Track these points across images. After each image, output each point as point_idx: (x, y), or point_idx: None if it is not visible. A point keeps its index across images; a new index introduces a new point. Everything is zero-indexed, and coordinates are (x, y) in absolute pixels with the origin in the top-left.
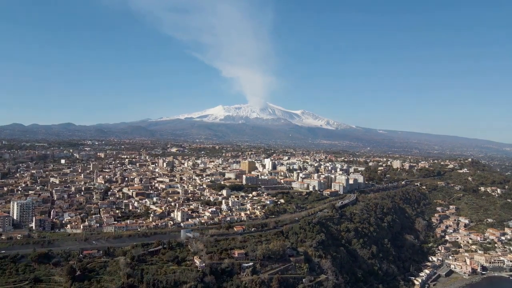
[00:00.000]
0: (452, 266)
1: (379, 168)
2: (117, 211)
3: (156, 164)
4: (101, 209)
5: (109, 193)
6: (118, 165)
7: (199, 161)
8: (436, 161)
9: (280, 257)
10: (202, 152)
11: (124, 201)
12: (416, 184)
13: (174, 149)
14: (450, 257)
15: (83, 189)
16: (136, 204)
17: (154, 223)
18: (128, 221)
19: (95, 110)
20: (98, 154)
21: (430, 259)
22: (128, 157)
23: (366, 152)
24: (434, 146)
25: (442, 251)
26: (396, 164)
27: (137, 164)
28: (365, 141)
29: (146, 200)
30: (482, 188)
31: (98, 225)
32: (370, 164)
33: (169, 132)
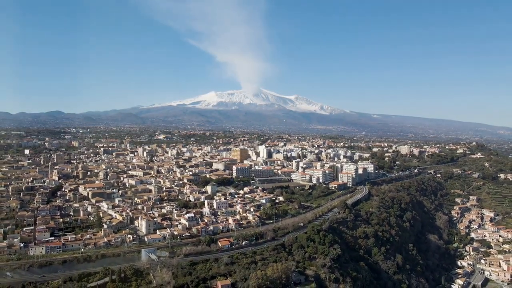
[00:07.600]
0: (486, 273)
1: (386, 154)
2: (61, 220)
3: (136, 153)
4: (37, 218)
5: (58, 193)
6: (92, 155)
7: (185, 149)
8: (439, 145)
9: (282, 286)
10: (192, 139)
11: (75, 204)
12: (429, 172)
13: (161, 136)
14: (482, 261)
15: (23, 188)
16: (89, 208)
17: (105, 239)
18: (69, 236)
19: (85, 98)
20: (72, 143)
21: (459, 263)
22: (105, 145)
23: (362, 137)
24: (429, 130)
25: (471, 253)
26: (404, 149)
27: (114, 153)
28: (360, 126)
29: (103, 203)
30: (502, 175)
31: (22, 244)
32: (374, 150)
33: (161, 119)
